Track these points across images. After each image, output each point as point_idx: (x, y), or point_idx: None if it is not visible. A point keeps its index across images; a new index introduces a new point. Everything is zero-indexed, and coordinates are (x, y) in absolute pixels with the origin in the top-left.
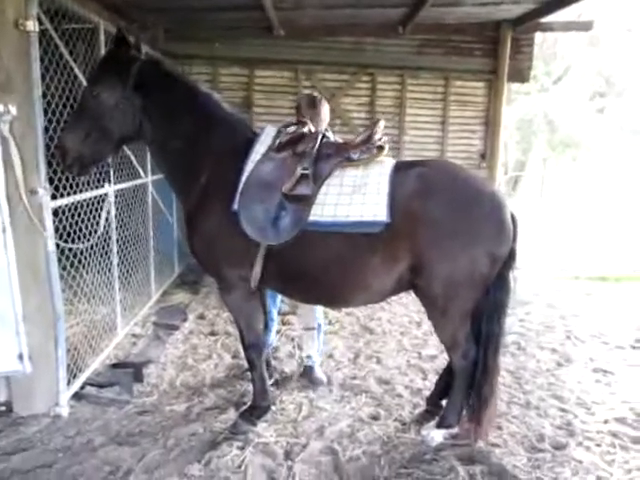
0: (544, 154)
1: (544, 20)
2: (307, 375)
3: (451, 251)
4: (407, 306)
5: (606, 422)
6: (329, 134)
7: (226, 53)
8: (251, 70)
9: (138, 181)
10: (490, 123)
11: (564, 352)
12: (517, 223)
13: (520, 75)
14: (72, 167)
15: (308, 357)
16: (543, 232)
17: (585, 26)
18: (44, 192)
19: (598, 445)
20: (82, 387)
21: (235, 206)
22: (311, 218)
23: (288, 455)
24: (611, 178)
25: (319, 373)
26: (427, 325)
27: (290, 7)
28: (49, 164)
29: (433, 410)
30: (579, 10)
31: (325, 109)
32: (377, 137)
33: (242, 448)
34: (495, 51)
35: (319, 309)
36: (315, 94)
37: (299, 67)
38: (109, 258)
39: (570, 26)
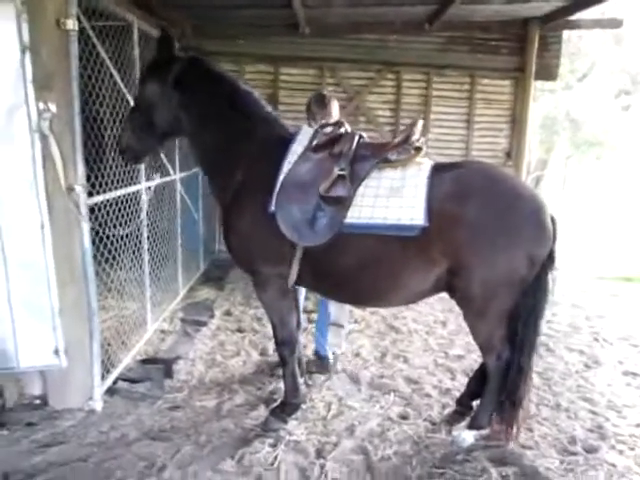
0: (567, 152)
1: (572, 18)
2: (318, 363)
3: (490, 253)
4: (432, 305)
5: (638, 426)
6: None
7: (252, 50)
8: (276, 67)
9: (167, 178)
10: (516, 121)
11: (592, 354)
12: (556, 225)
13: (548, 73)
14: (125, 155)
15: (332, 353)
16: (566, 232)
17: (614, 24)
18: (81, 189)
19: (631, 449)
20: (114, 382)
21: (272, 206)
22: (348, 220)
23: (320, 453)
24: (636, 177)
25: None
26: (453, 325)
27: (318, 5)
28: (86, 161)
29: (463, 411)
30: (602, 8)
31: (334, 107)
32: (415, 138)
33: (274, 445)
34: (522, 49)
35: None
36: (325, 92)
37: (324, 65)
38: (140, 255)
39: (599, 24)
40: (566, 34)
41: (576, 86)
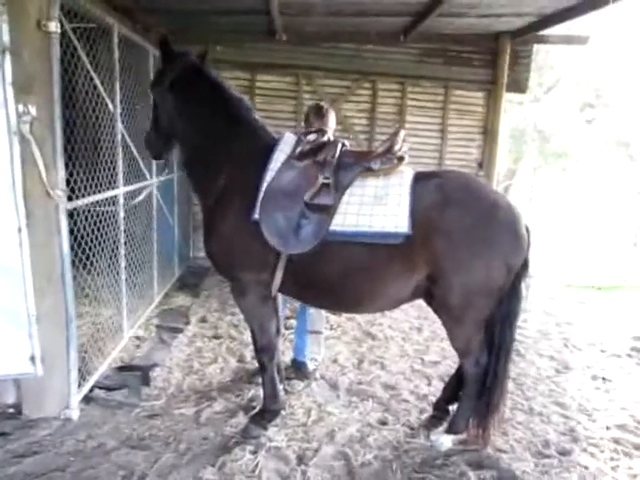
0: (535, 163)
1: (542, 33)
2: (296, 369)
3: (469, 261)
4: (407, 312)
5: (608, 429)
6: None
7: (228, 57)
8: (253, 74)
9: (144, 183)
10: (488, 132)
11: (562, 359)
12: (530, 234)
13: (518, 85)
14: (148, 151)
15: (312, 360)
16: (535, 240)
17: (581, 40)
18: (61, 194)
19: (602, 451)
20: (90, 390)
21: (256, 215)
22: (333, 227)
23: (301, 460)
24: (598, 189)
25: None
26: (427, 331)
27: (296, 13)
28: (65, 166)
29: (440, 415)
30: (568, 24)
31: (332, 117)
32: (397, 147)
33: (255, 452)
34: (494, 62)
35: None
36: (322, 103)
37: (300, 72)
38: (117, 260)
39: (567, 40)
40: (534, 48)
41: (543, 99)
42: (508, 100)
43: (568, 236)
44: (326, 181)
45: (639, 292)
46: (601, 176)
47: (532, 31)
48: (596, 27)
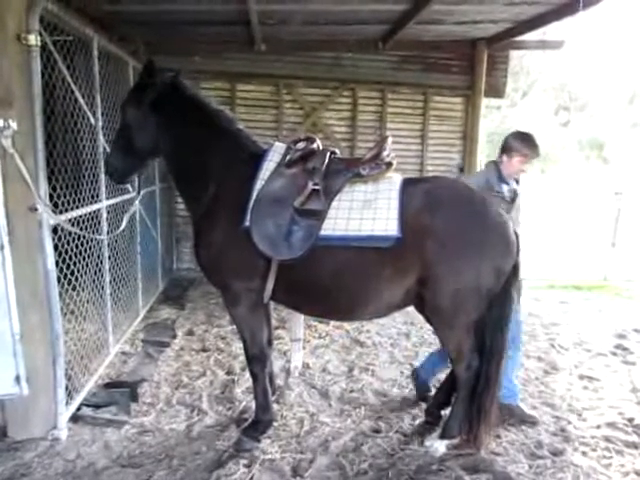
0: None
1: (518, 38)
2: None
3: (459, 265)
4: (394, 318)
5: (598, 427)
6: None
7: (208, 67)
8: (233, 84)
9: (127, 196)
10: (468, 137)
11: (550, 360)
12: (519, 238)
13: (496, 90)
14: (113, 176)
15: (296, 368)
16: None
17: (556, 45)
18: (44, 209)
19: (594, 450)
20: (78, 408)
21: (247, 222)
22: (323, 232)
23: (296, 471)
24: (576, 190)
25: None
26: (416, 337)
27: (275, 23)
28: (48, 180)
29: (433, 421)
30: (544, 29)
31: None
32: (385, 154)
33: (249, 466)
34: (471, 68)
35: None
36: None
37: (281, 81)
38: (102, 275)
39: (543, 45)
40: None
41: (519, 103)
42: (485, 105)
43: (548, 237)
44: (316, 187)
45: (619, 291)
46: (577, 177)
47: (508, 37)
48: (571, 31)
